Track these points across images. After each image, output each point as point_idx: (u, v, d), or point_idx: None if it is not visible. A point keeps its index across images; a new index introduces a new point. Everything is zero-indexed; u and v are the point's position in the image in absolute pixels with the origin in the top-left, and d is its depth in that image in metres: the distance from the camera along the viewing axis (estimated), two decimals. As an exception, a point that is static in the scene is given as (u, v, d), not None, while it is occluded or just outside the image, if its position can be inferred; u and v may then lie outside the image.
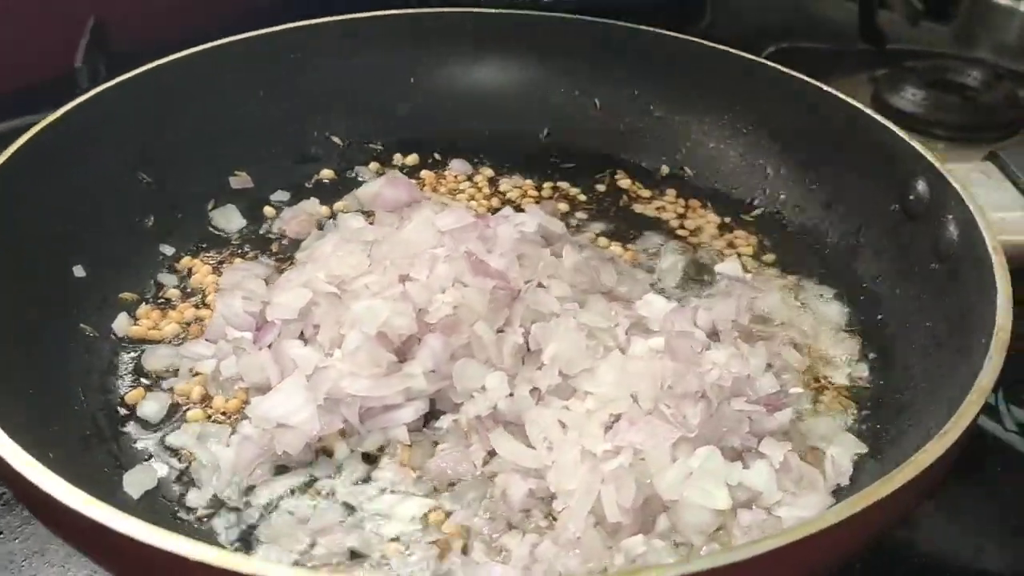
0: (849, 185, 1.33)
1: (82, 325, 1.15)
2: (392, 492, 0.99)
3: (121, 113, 1.29)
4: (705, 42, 1.46)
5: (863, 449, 1.04)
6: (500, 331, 1.08)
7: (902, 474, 0.79)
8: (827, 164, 1.36)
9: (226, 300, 1.14)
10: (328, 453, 1.02)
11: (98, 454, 1.02)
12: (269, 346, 1.09)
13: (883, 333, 1.19)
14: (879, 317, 1.21)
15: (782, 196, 1.41)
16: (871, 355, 1.17)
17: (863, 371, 1.15)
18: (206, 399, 1.09)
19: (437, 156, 1.51)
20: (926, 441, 0.86)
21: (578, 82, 1.54)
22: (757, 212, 1.41)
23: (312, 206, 1.36)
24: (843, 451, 1.03)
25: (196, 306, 1.22)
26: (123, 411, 1.08)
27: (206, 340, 1.14)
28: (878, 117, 1.27)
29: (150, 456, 1.03)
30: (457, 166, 1.48)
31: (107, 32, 1.91)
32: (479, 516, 0.96)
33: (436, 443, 1.04)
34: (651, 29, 1.49)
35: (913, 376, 1.10)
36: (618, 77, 1.52)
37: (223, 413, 1.07)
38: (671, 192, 1.45)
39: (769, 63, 1.42)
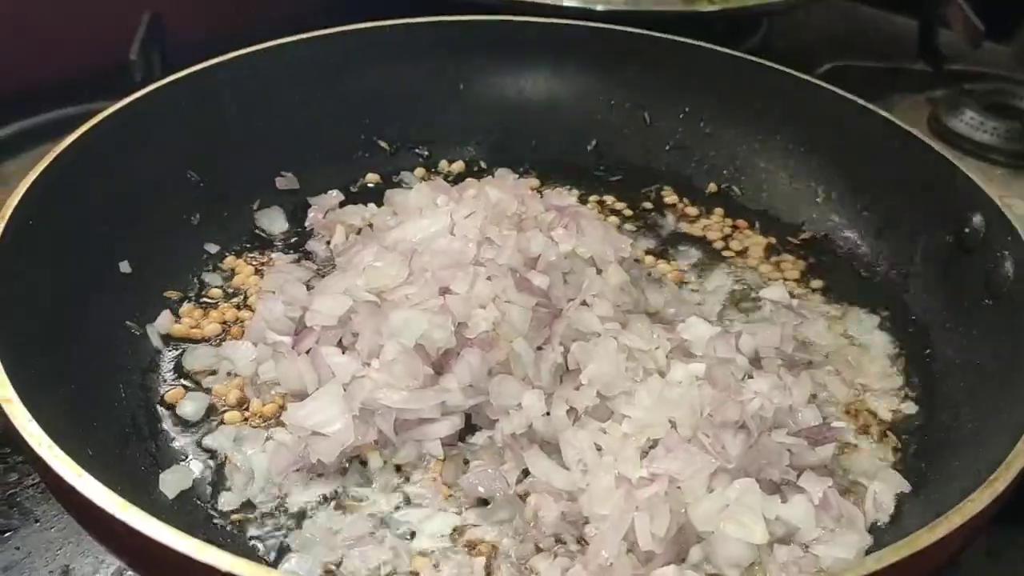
0: (902, 213, 1.30)
1: (127, 322, 1.16)
2: (423, 507, 0.98)
3: (173, 111, 1.30)
4: (760, 60, 1.44)
5: (906, 488, 1.01)
6: (539, 348, 1.07)
7: (948, 521, 0.78)
8: (880, 190, 1.34)
9: (267, 303, 1.14)
10: (362, 462, 1.02)
11: (136, 452, 1.02)
12: (307, 352, 1.09)
13: (931, 368, 1.16)
14: (927, 351, 1.18)
15: (832, 220, 1.38)
16: (918, 390, 1.15)
17: (909, 406, 1.13)
18: (243, 402, 1.09)
19: (483, 164, 1.50)
20: (974, 485, 0.84)
21: (628, 95, 1.52)
22: (805, 236, 1.38)
23: (353, 212, 1.35)
24: (886, 488, 1.01)
25: (237, 307, 1.22)
26: (162, 410, 1.09)
27: (246, 342, 1.14)
28: (936, 145, 1.25)
29: (186, 456, 1.04)
30: (502, 175, 1.47)
31: (163, 26, 1.93)
32: (509, 536, 0.95)
33: (467, 460, 1.03)
34: (705, 45, 1.47)
35: (960, 414, 1.07)
36: (669, 91, 1.50)
37: (260, 417, 1.08)
38: (718, 211, 1.43)
39: (824, 84, 1.39)
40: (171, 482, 0.99)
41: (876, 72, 1.98)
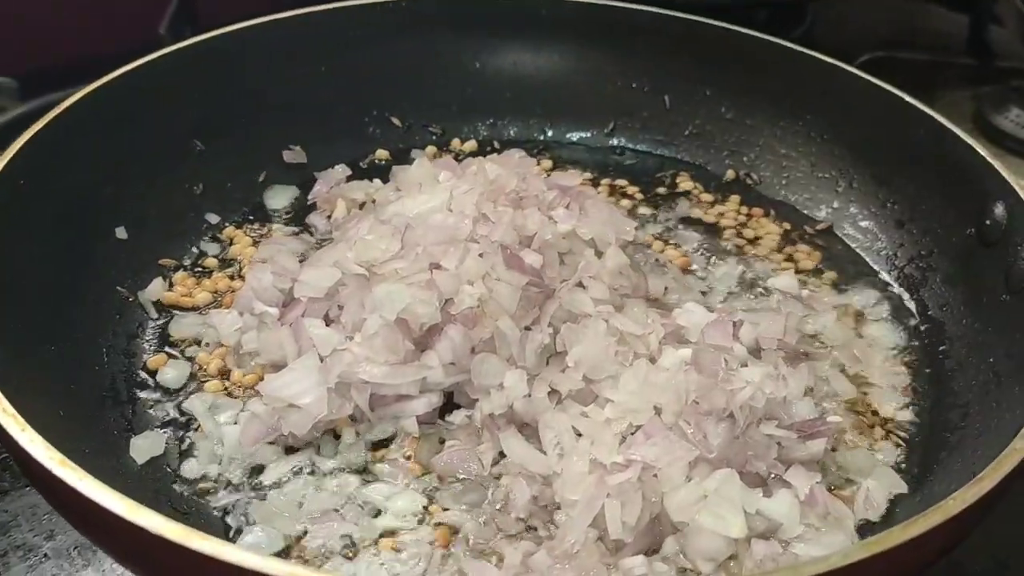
0: (925, 204, 1.24)
1: (118, 287, 1.15)
2: (392, 484, 0.96)
3: (181, 79, 1.29)
4: (783, 42, 1.38)
5: (902, 488, 0.96)
6: (527, 329, 1.04)
7: (925, 519, 0.72)
8: (903, 180, 1.27)
9: (256, 273, 1.13)
10: (335, 436, 1.00)
11: (111, 416, 1.01)
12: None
13: (942, 366, 1.10)
14: (941, 348, 1.12)
15: (851, 211, 1.32)
16: (926, 388, 1.09)
17: (915, 404, 1.07)
18: (225, 372, 1.08)
19: (496, 144, 1.47)
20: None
21: (649, 77, 1.48)
22: (822, 226, 1.33)
23: (356, 187, 1.33)
24: (880, 487, 0.96)
25: (231, 277, 1.21)
26: (143, 375, 1.07)
27: (233, 311, 1.13)
28: (960, 132, 1.18)
29: (161, 423, 1.02)
30: (511, 154, 1.43)
31: (195, 3, 1.94)
32: (475, 519, 0.92)
33: (442, 440, 1.00)
34: (728, 26, 1.42)
35: (968, 414, 1.01)
36: (691, 74, 1.45)
37: (239, 386, 1.06)
38: (734, 199, 1.38)
39: (850, 68, 1.33)
40: (142, 447, 0.98)
41: (920, 65, 1.90)
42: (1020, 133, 1.63)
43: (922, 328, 1.16)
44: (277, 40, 1.38)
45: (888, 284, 1.23)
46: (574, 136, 1.48)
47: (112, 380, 1.05)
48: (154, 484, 0.95)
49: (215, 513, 0.93)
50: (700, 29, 1.43)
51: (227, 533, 0.92)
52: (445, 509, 0.93)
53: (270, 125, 1.37)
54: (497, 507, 0.92)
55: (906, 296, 1.21)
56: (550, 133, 1.49)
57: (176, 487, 0.96)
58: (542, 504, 0.92)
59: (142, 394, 1.05)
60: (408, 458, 0.98)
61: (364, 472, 0.97)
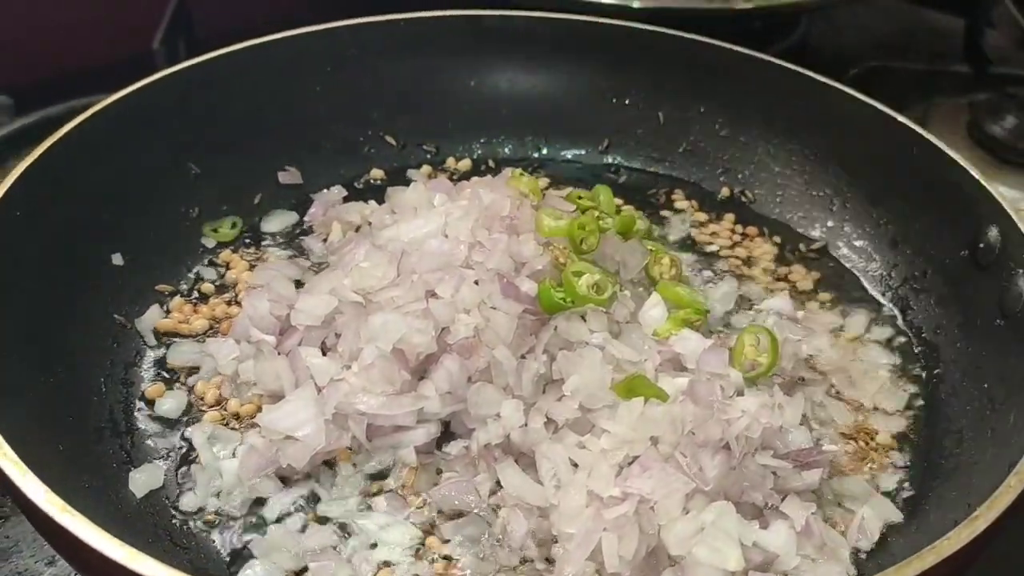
0: (919, 225, 1.24)
1: (115, 315, 1.15)
2: (389, 516, 0.96)
3: (174, 102, 1.29)
4: (776, 61, 1.39)
5: (897, 517, 0.97)
6: (523, 357, 1.04)
7: (921, 560, 0.73)
8: (897, 200, 1.28)
9: (252, 301, 1.13)
10: (331, 467, 1.00)
11: (109, 448, 1.02)
12: (289, 352, 1.07)
13: (937, 390, 1.11)
14: (935, 371, 1.13)
15: (845, 230, 1.33)
16: (921, 413, 1.10)
17: (910, 430, 1.08)
18: (221, 401, 1.08)
19: (491, 163, 1.47)
20: (964, 518, 0.80)
21: (643, 94, 1.48)
22: (817, 245, 1.33)
23: (352, 209, 1.32)
24: (874, 515, 0.96)
25: (228, 303, 1.21)
26: (141, 405, 1.08)
27: (230, 339, 1.13)
28: (955, 155, 1.19)
29: (160, 455, 1.03)
30: (506, 175, 1.43)
31: (190, 15, 1.93)
32: (473, 554, 0.92)
33: (440, 471, 1.01)
34: (722, 44, 1.42)
35: (963, 440, 1.02)
36: (685, 91, 1.46)
37: (236, 417, 1.06)
38: (729, 217, 1.38)
39: (842, 87, 1.33)
40: (140, 481, 0.98)
41: (916, 74, 1.90)
42: (1015, 142, 1.63)
43: (916, 351, 1.17)
44: (271, 61, 1.38)
45: (882, 305, 1.24)
46: (569, 154, 1.49)
47: (110, 411, 1.06)
48: (153, 518, 0.96)
49: (215, 546, 0.94)
50: (694, 47, 1.43)
51: (228, 567, 0.92)
52: (445, 541, 0.93)
53: (265, 146, 1.38)
54: (495, 541, 0.93)
55: (900, 318, 1.21)
56: (545, 151, 1.49)
57: (175, 521, 0.96)
58: (539, 537, 0.92)
59: (141, 424, 1.06)
60: (404, 488, 0.99)
61: (362, 503, 0.97)
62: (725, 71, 1.43)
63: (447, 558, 0.92)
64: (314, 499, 0.98)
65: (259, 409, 1.05)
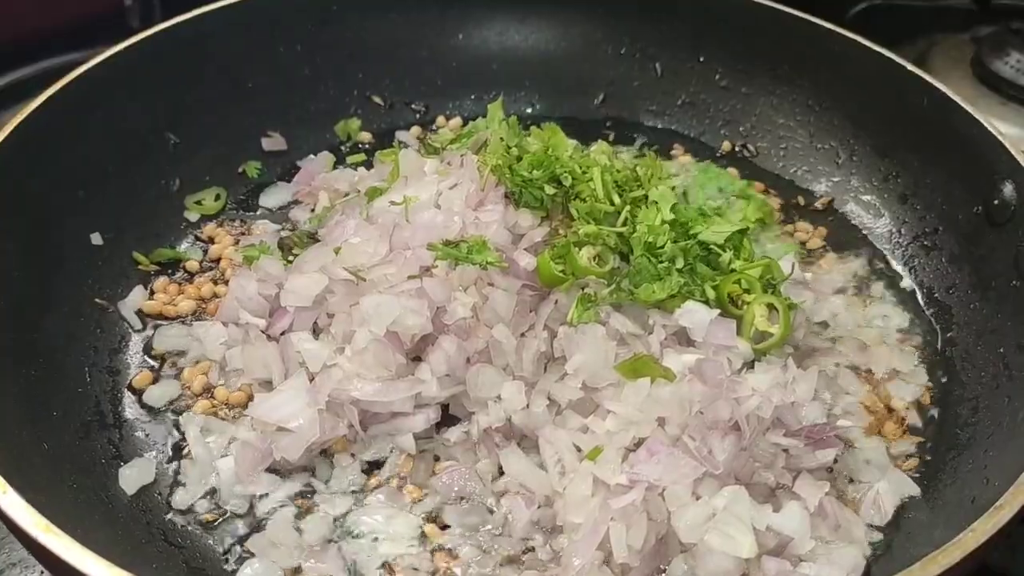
0: (930, 179, 1.20)
1: (97, 299, 1.10)
2: (390, 508, 0.93)
3: (149, 68, 1.23)
4: (778, 6, 1.32)
5: (915, 491, 0.94)
6: (523, 335, 1.00)
7: (947, 554, 0.70)
8: (907, 152, 1.23)
9: (240, 281, 1.08)
10: (329, 457, 0.97)
11: (98, 443, 0.98)
12: (281, 335, 1.04)
13: (951, 356, 1.07)
14: (948, 335, 1.09)
15: (852, 184, 1.28)
16: (936, 381, 1.06)
17: (925, 399, 1.04)
18: (209, 388, 1.04)
19: (482, 120, 1.41)
20: (982, 494, 0.78)
21: (639, 43, 1.41)
22: (824, 200, 1.28)
23: (340, 177, 1.26)
24: (891, 490, 0.94)
25: (215, 281, 1.16)
26: (129, 395, 1.04)
27: (217, 323, 1.08)
28: (968, 107, 1.13)
29: (150, 448, 0.99)
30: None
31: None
32: (475, 544, 0.89)
33: (438, 458, 0.97)
34: (723, -11, 1.35)
35: (978, 409, 0.99)
36: (683, 40, 1.39)
37: (226, 405, 1.02)
38: (731, 171, 1.33)
39: (852, 35, 1.27)
40: (131, 478, 0.95)
41: (917, 10, 1.83)
42: (1019, 79, 1.57)
43: (929, 312, 1.13)
44: (250, 20, 1.32)
45: (892, 264, 1.20)
46: (564, 109, 1.43)
47: (97, 402, 1.02)
48: (146, 516, 0.93)
49: (211, 544, 0.91)
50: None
51: (224, 566, 0.89)
52: (444, 528, 0.91)
53: (247, 111, 1.32)
54: (497, 530, 0.90)
55: (911, 277, 1.17)
56: (539, 106, 1.43)
57: (169, 518, 0.93)
58: (543, 527, 0.90)
59: (129, 415, 1.02)
60: (403, 478, 0.95)
61: (360, 496, 0.94)
62: (726, 18, 1.37)
63: (449, 550, 0.89)
64: (312, 493, 0.95)
65: (250, 398, 1.02)
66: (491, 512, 0.92)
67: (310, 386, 0.95)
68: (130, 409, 1.02)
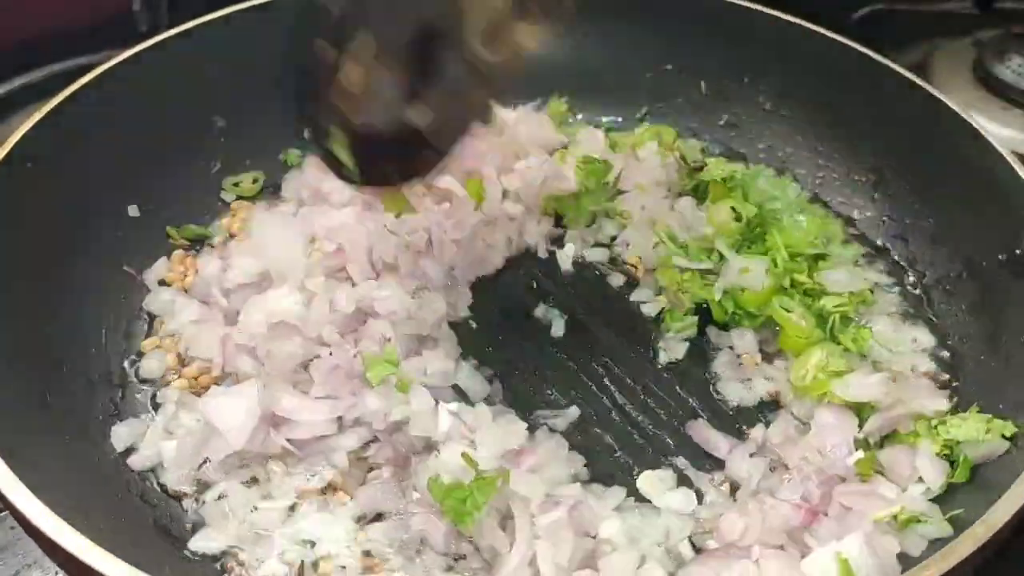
0: (957, 220, 1.15)
1: (125, 267, 1.17)
2: (325, 513, 0.94)
3: (204, 55, 1.27)
4: (829, 33, 1.28)
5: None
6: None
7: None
8: (939, 192, 1.18)
9: (205, 257, 1.15)
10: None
11: (99, 400, 1.04)
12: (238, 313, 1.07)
13: (955, 408, 1.01)
14: (955, 384, 1.05)
15: (884, 220, 1.24)
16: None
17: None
18: (184, 362, 1.08)
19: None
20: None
21: (686, 61, 1.39)
22: (854, 232, 1.25)
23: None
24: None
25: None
26: (137, 359, 1.09)
27: (192, 299, 1.13)
28: (1001, 149, 1.08)
29: (148, 411, 1.04)
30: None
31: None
32: (404, 556, 0.90)
33: (372, 468, 0.98)
34: (777, 13, 1.31)
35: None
36: (729, 60, 1.36)
37: (196, 380, 1.07)
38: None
39: (899, 68, 1.22)
40: (123, 435, 1.00)
41: (919, 14, 1.75)
42: (1021, 83, 1.48)
43: (943, 356, 1.09)
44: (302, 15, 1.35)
45: (909, 305, 1.16)
46: (604, 124, 1.42)
47: (107, 362, 1.08)
48: (128, 474, 0.98)
49: (181, 507, 0.96)
50: (737, 11, 1.34)
51: (190, 530, 0.94)
52: (375, 540, 0.92)
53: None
54: (416, 548, 0.90)
55: (928, 321, 1.14)
56: (580, 116, 1.43)
57: (148, 482, 0.98)
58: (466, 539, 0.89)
59: (132, 378, 1.08)
60: (336, 490, 0.97)
61: (297, 501, 0.96)
62: (774, 41, 1.33)
63: (377, 556, 0.91)
64: (266, 478, 0.97)
65: (216, 381, 1.05)
66: (409, 527, 0.92)
67: (258, 396, 0.96)
68: (134, 372, 1.08)
